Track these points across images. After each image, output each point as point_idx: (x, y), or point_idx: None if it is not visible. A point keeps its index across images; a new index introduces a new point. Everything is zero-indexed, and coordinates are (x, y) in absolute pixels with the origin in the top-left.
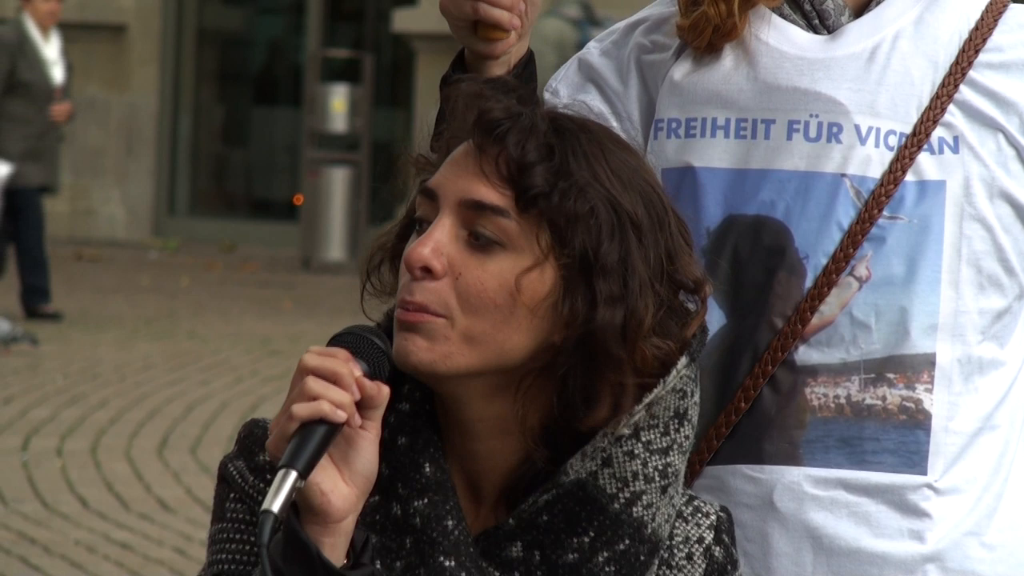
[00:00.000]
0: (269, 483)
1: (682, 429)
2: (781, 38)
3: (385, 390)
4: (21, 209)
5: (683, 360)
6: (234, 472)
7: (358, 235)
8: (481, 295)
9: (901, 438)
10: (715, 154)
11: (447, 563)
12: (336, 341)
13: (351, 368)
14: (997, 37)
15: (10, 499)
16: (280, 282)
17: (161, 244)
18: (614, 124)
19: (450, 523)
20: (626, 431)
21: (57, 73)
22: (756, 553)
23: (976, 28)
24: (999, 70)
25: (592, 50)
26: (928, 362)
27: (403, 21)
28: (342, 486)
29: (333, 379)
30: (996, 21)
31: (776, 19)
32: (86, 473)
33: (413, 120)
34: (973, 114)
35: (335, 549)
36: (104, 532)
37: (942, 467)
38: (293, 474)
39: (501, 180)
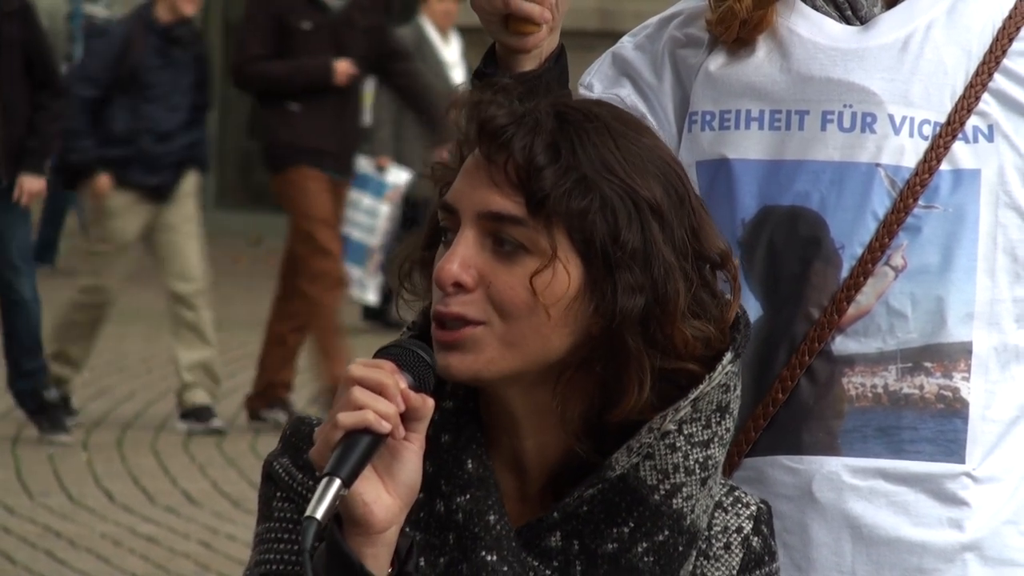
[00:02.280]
0: (318, 479)
1: (723, 422)
2: (814, 29)
3: (430, 403)
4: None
5: (728, 356)
6: (280, 470)
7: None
8: (513, 300)
9: (939, 427)
10: (750, 146)
11: (489, 558)
12: (382, 353)
13: (396, 380)
14: None
15: (36, 492)
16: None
17: None
18: (648, 118)
19: (492, 518)
20: (672, 427)
21: (457, 76)
22: (796, 544)
23: (1010, 17)
24: None
25: (626, 44)
26: (965, 351)
27: None
28: (385, 497)
29: (379, 390)
30: None
31: (808, 10)
32: (112, 466)
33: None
34: (1008, 102)
35: (377, 560)
36: (130, 525)
37: (980, 455)
38: (337, 482)
39: (512, 187)
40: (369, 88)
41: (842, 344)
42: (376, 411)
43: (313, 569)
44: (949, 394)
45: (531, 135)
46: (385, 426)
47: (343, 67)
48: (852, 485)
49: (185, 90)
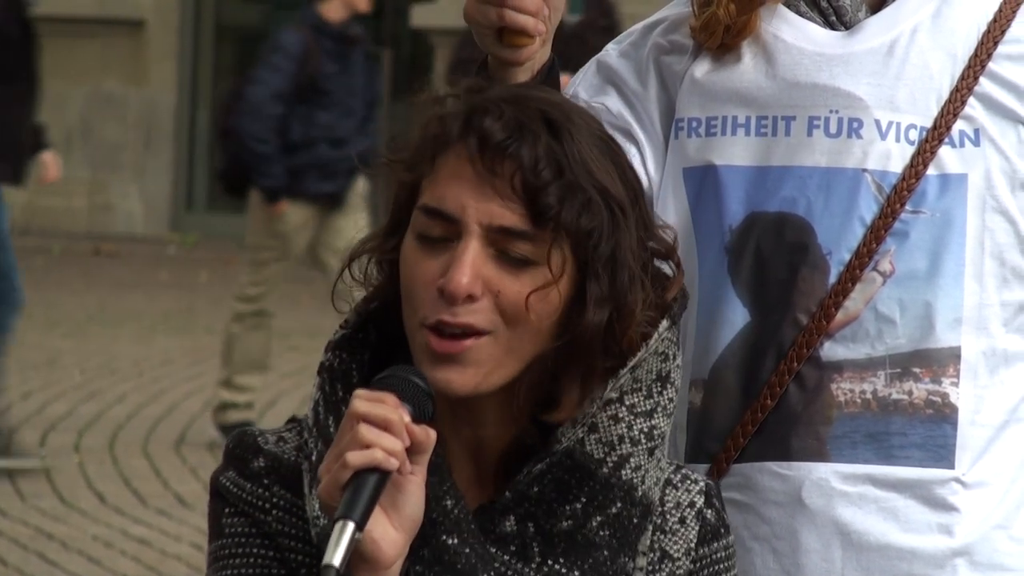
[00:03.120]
0: (267, 487)
1: (665, 392)
2: (799, 35)
3: (432, 435)
4: None
5: (664, 323)
6: (227, 483)
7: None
8: (521, 308)
9: (928, 432)
10: (736, 152)
11: (450, 541)
12: (381, 384)
13: (400, 414)
14: (1016, 29)
15: (28, 494)
16: (298, 277)
17: (179, 239)
18: (634, 125)
19: (449, 503)
20: (613, 395)
21: None
22: (785, 550)
23: (995, 20)
24: (1018, 61)
25: (611, 52)
26: (953, 355)
27: (421, 17)
28: (391, 532)
29: (384, 426)
30: (1014, 12)
31: (793, 16)
32: (103, 469)
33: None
34: (993, 106)
35: None
36: (122, 528)
37: (969, 460)
38: (351, 526)
39: (517, 201)
40: None
41: (831, 350)
42: (384, 448)
43: None
44: (938, 399)
45: (532, 148)
46: (393, 463)
47: None
48: (841, 491)
49: (358, 92)
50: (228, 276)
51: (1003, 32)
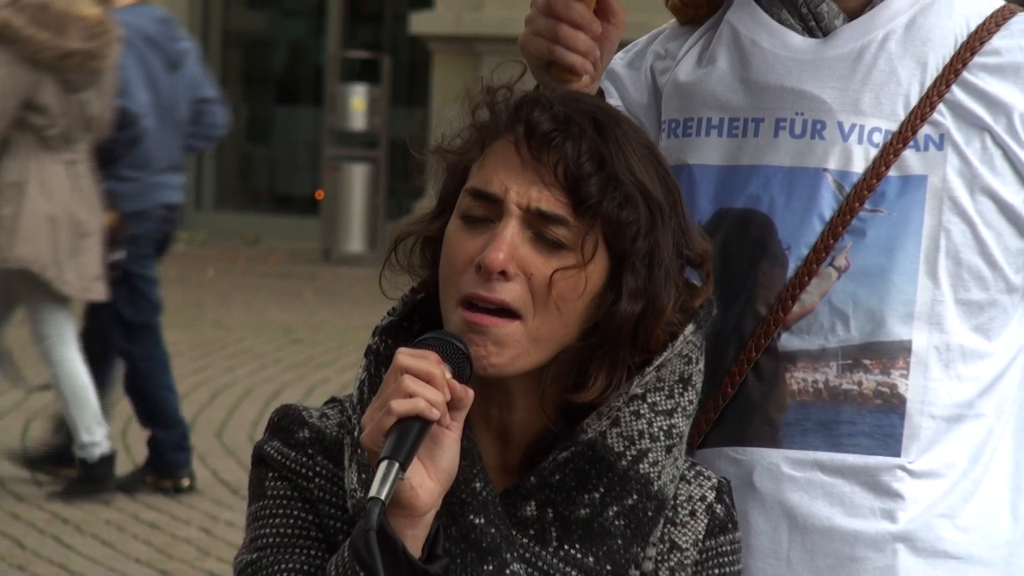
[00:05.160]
0: (311, 456)
1: (686, 394)
2: (775, 41)
3: (471, 393)
4: None
5: (690, 328)
6: (272, 451)
7: (376, 228)
8: (550, 292)
9: (876, 421)
10: (709, 152)
11: (477, 520)
12: (422, 344)
13: (443, 370)
14: (996, 41)
15: (44, 481)
16: (302, 273)
17: (188, 237)
18: None
19: (478, 485)
20: (637, 391)
21: None
22: None
23: (975, 32)
24: (994, 72)
25: (618, 61)
26: (904, 349)
27: (420, 23)
28: (428, 482)
29: (427, 379)
30: (999, 26)
31: (772, 23)
32: (116, 456)
33: (430, 118)
34: (962, 113)
35: (416, 540)
36: (133, 512)
37: (917, 450)
38: (396, 465)
39: (559, 189)
40: (359, 94)
41: (787, 341)
42: (426, 399)
43: (352, 548)
44: (887, 390)
45: (577, 142)
46: (435, 413)
47: None
48: (790, 476)
49: None
50: (234, 272)
51: (982, 43)
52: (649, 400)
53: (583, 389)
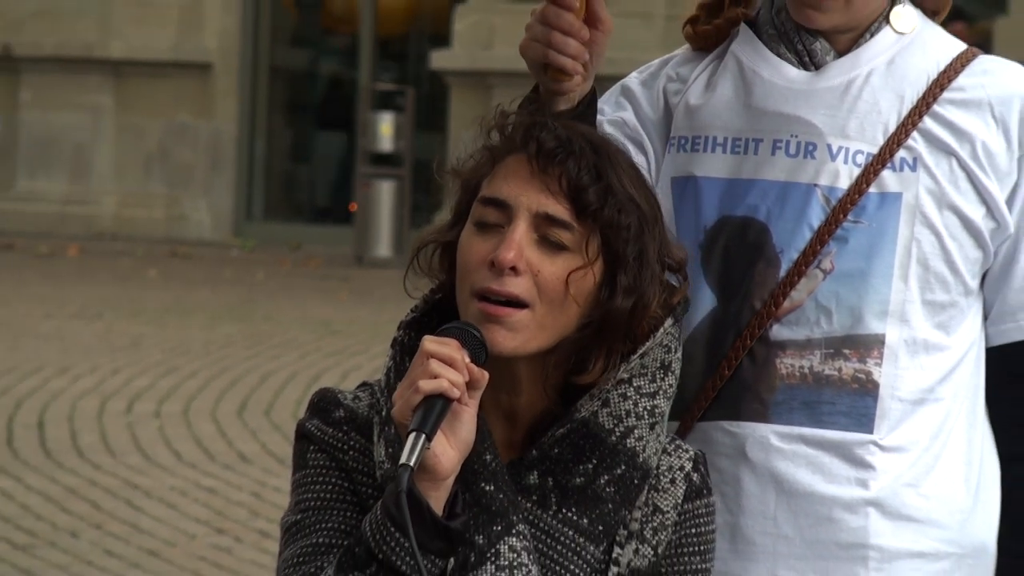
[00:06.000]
0: (346, 432)
1: (667, 378)
2: (774, 72)
3: (486, 375)
4: None
5: (669, 321)
6: (312, 428)
7: (402, 236)
8: (556, 287)
9: (853, 403)
10: (713, 166)
11: (487, 488)
12: (445, 332)
13: (462, 355)
14: (962, 79)
15: (117, 452)
16: (338, 275)
17: (240, 244)
18: (645, 139)
19: (488, 457)
20: (624, 375)
21: None
22: (730, 493)
23: (944, 71)
24: (960, 106)
25: (633, 78)
26: (878, 341)
27: (439, 60)
28: (449, 451)
29: (450, 362)
30: (964, 67)
31: (772, 57)
32: (179, 431)
33: (447, 141)
34: (932, 140)
35: (438, 501)
36: (194, 480)
37: (887, 428)
38: (423, 437)
39: (563, 196)
40: (387, 121)
41: (778, 331)
42: (449, 380)
43: (384, 507)
44: (863, 376)
45: (578, 158)
46: (456, 392)
47: None
48: (778, 448)
49: None
50: (280, 274)
51: (950, 81)
52: (635, 384)
53: (584, 372)
